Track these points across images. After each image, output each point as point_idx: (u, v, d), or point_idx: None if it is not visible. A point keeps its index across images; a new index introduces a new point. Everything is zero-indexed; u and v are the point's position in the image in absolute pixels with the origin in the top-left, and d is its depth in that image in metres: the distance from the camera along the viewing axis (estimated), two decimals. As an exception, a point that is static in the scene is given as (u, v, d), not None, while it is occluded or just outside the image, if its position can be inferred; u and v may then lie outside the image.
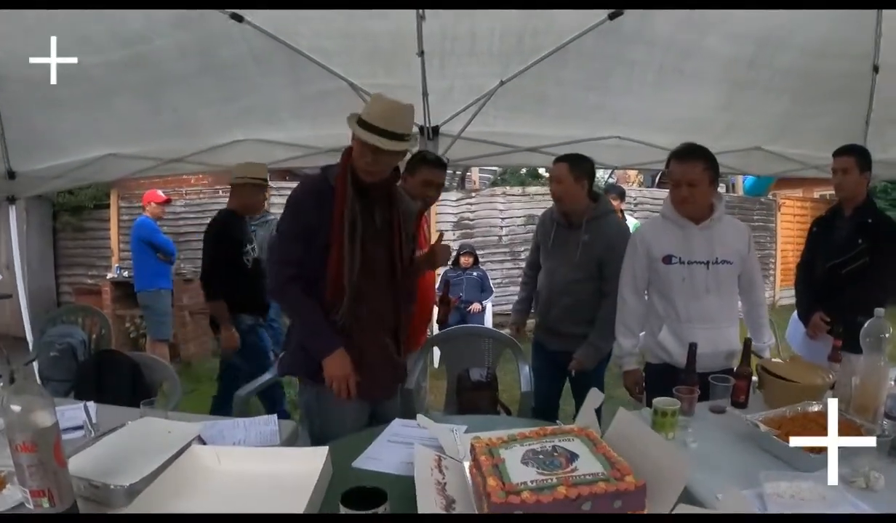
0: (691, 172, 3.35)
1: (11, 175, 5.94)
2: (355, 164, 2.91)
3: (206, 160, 5.86)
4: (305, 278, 2.95)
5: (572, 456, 1.97)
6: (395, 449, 2.52)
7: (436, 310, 4.76)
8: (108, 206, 10.91)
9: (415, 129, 2.90)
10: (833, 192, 4.45)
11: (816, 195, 15.52)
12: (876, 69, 4.67)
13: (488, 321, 8.65)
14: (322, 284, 2.93)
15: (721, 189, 13.34)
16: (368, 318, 3.01)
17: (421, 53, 4.08)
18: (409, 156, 3.57)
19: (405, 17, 3.86)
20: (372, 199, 2.97)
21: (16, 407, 2.09)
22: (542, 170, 11.70)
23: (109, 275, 9.78)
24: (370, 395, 3.10)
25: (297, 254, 2.94)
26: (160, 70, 4.53)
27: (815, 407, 2.80)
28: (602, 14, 3.87)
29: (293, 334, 3.15)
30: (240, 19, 3.87)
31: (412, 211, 3.21)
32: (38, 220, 11.11)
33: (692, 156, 3.39)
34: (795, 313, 4.68)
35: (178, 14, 3.97)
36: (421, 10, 3.71)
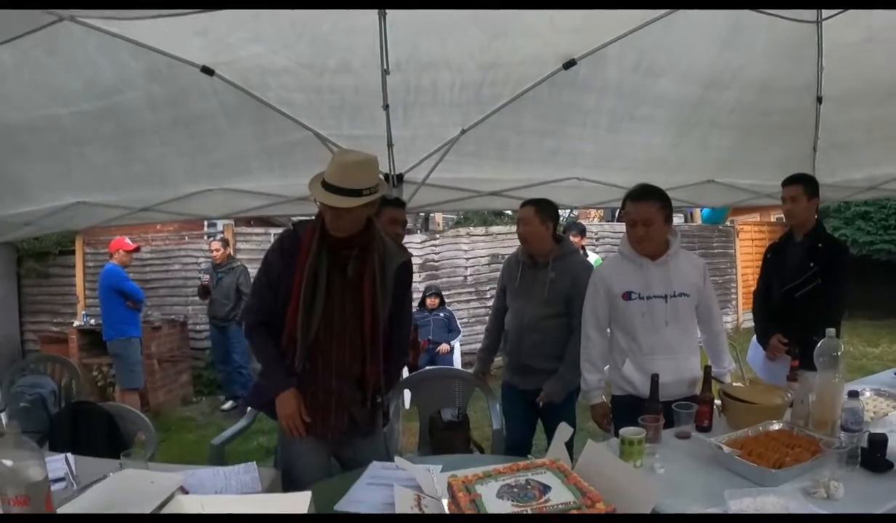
0: (647, 212, 3.50)
1: (-21, 221, 5.92)
2: (326, 222, 3.00)
3: (176, 209, 5.90)
4: (271, 323, 3.10)
5: (545, 488, 2.09)
6: (375, 490, 2.61)
7: None
8: (73, 252, 10.74)
9: (380, 178, 2.99)
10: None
11: (773, 218, 15.83)
12: (819, 100, 4.97)
13: (457, 361, 8.68)
14: (282, 330, 3.05)
15: (679, 219, 13.60)
16: (324, 365, 3.09)
17: (386, 107, 4.23)
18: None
19: (370, 73, 4.02)
20: (345, 253, 3.06)
21: (7, 462, 2.15)
22: (508, 212, 11.79)
23: (76, 323, 9.64)
24: (322, 436, 3.15)
25: (261, 302, 3.15)
26: (132, 121, 4.64)
27: (776, 426, 2.96)
28: (557, 65, 4.08)
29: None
30: (210, 73, 3.99)
31: (393, 263, 3.20)
32: (2, 266, 10.91)
33: (647, 196, 3.55)
34: (755, 337, 4.82)
35: (150, 67, 4.09)
36: (385, 65, 3.87)
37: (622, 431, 2.73)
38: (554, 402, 4.22)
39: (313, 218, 3.12)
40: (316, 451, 3.15)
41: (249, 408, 4.42)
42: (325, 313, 3.03)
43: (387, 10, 3.55)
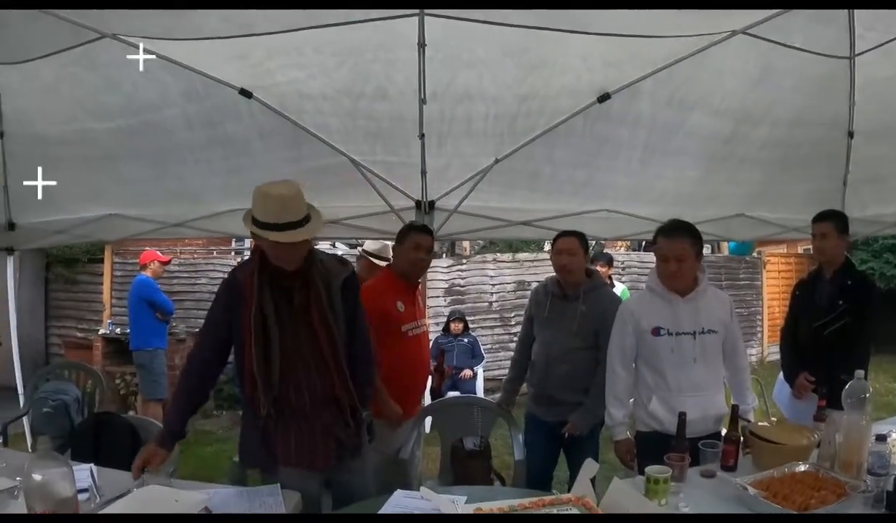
0: (680, 248, 3.50)
1: (11, 226, 6.03)
2: (275, 258, 3.00)
3: (207, 226, 5.97)
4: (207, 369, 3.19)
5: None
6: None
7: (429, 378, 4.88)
8: (101, 261, 10.89)
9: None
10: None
11: (801, 250, 15.65)
12: (851, 135, 4.94)
13: (480, 387, 8.67)
14: (242, 377, 3.09)
15: (705, 250, 13.47)
16: (297, 396, 3.08)
17: (422, 136, 4.26)
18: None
19: (407, 101, 4.06)
20: (287, 283, 3.07)
21: (37, 477, 2.19)
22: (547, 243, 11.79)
23: (101, 331, 9.76)
24: (313, 467, 3.13)
25: (205, 346, 3.19)
26: (167, 139, 4.71)
27: (802, 468, 2.92)
28: (591, 98, 4.09)
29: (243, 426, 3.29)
30: (249, 95, 4.05)
31: (338, 279, 3.20)
32: (31, 270, 11.09)
33: (680, 232, 3.55)
34: (781, 374, 4.78)
35: (188, 87, 4.17)
36: (423, 95, 3.89)
37: (648, 469, 2.71)
38: (579, 435, 4.20)
39: (249, 259, 3.18)
40: (307, 483, 3.12)
41: None
42: (282, 346, 3.03)
43: (426, 45, 3.58)
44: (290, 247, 2.91)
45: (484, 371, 9.13)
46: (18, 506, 2.47)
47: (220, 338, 3.13)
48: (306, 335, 3.08)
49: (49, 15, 3.39)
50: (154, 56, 3.78)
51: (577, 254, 4.29)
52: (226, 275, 3.24)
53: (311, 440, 3.11)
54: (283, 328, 3.03)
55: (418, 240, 4.22)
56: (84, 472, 2.86)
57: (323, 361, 3.11)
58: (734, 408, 3.34)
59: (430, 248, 4.37)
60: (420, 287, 4.59)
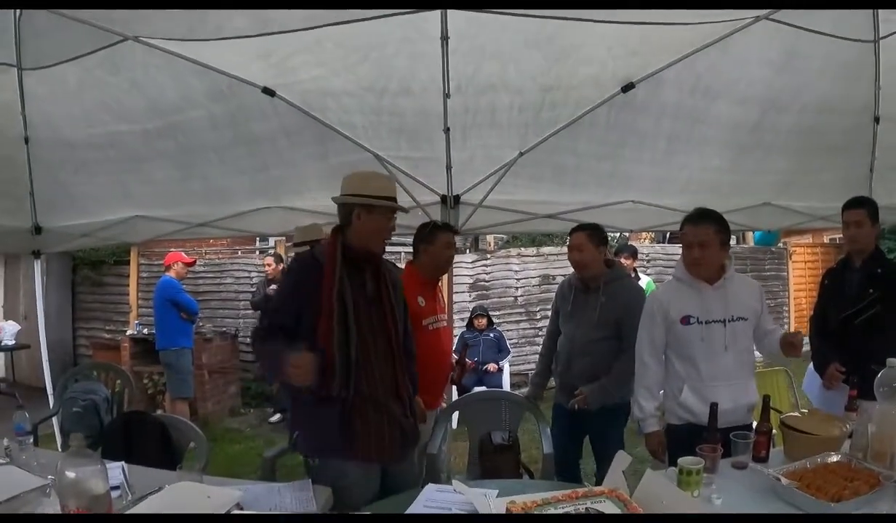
0: (703, 234, 3.49)
1: (38, 230, 6.11)
2: (377, 239, 3.15)
3: (233, 225, 6.01)
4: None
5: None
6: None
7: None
8: (127, 263, 10.98)
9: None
10: (842, 237, 4.52)
11: (826, 239, 15.49)
12: (877, 120, 4.86)
13: (506, 381, 8.66)
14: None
15: (731, 240, 13.34)
16: (368, 385, 3.11)
17: (447, 130, 4.26)
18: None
19: (430, 96, 4.06)
20: (362, 272, 3.15)
21: (70, 474, 2.19)
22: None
23: (129, 332, 9.85)
24: (378, 459, 3.17)
25: (272, 324, 3.16)
26: (192, 139, 4.77)
27: (835, 458, 2.89)
28: (615, 87, 4.06)
29: (296, 413, 3.30)
30: (272, 94, 4.07)
31: (398, 279, 3.40)
32: (58, 273, 11.22)
33: (703, 219, 3.54)
34: (812, 365, 4.71)
35: (212, 87, 4.21)
36: (447, 89, 3.89)
37: (681, 461, 2.67)
38: (588, 409, 4.21)
39: (323, 243, 3.23)
40: (369, 476, 3.16)
41: None
42: (359, 333, 3.08)
43: (449, 38, 3.58)
44: (392, 227, 3.16)
45: (510, 365, 9.11)
46: (51, 504, 2.48)
47: (289, 312, 3.12)
48: (378, 325, 3.16)
49: (71, 19, 3.41)
50: (177, 57, 3.80)
51: (585, 250, 4.29)
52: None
53: (378, 429, 3.15)
54: (358, 313, 3.09)
55: (448, 238, 4.27)
56: (116, 470, 2.88)
57: (390, 351, 3.19)
58: (765, 399, 3.29)
59: (455, 245, 4.43)
60: (440, 282, 4.58)
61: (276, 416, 8.85)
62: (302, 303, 3.08)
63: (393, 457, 3.22)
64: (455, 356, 4.80)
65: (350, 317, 3.05)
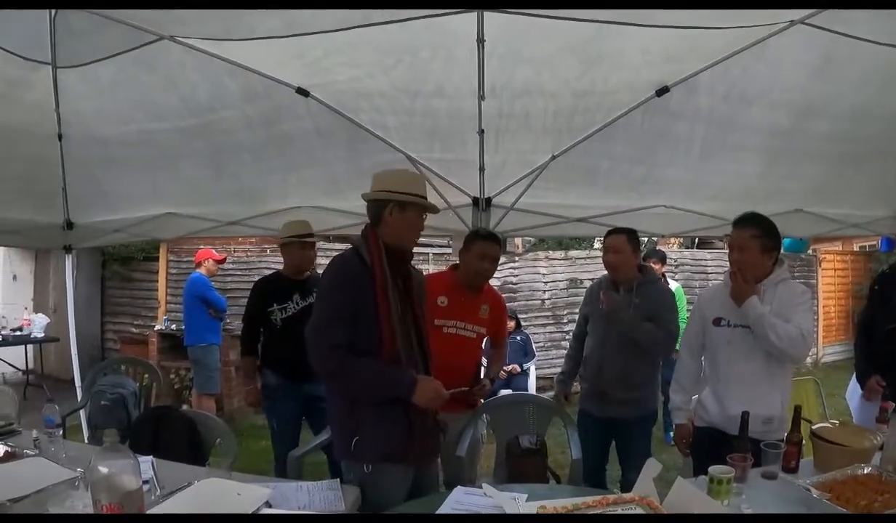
0: (741, 238, 3.53)
1: (70, 225, 6.21)
2: (408, 237, 3.18)
3: (263, 224, 6.05)
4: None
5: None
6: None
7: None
8: (156, 259, 11.11)
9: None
10: (873, 245, 4.44)
11: (856, 247, 15.32)
12: (913, 126, 4.77)
13: (532, 385, 8.65)
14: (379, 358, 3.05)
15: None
16: None
17: (481, 132, 4.27)
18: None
19: (464, 98, 4.06)
20: (397, 270, 3.17)
21: (104, 469, 2.21)
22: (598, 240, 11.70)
23: (157, 327, 9.96)
24: (417, 461, 3.19)
25: (346, 334, 3.01)
26: (226, 139, 4.80)
27: (866, 470, 2.87)
28: (650, 92, 4.04)
29: (354, 419, 3.13)
30: (306, 94, 4.09)
31: (422, 280, 3.43)
32: (88, 267, 11.39)
33: (745, 223, 3.59)
34: (854, 375, 4.65)
35: (246, 87, 4.22)
36: (482, 91, 3.89)
37: (711, 469, 2.68)
38: (613, 311, 4.31)
39: (364, 241, 3.19)
40: (406, 479, 3.17)
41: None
42: (402, 332, 3.09)
43: (484, 41, 3.56)
44: (421, 225, 3.21)
45: (536, 369, 9.09)
46: (80, 497, 2.51)
47: (350, 316, 3.04)
48: (413, 326, 3.19)
49: (106, 18, 3.45)
50: (211, 57, 3.83)
51: (622, 252, 4.36)
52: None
53: (422, 436, 3.16)
54: (402, 316, 3.12)
55: (484, 249, 4.25)
56: (145, 464, 2.88)
57: (422, 351, 3.21)
58: (797, 410, 3.27)
59: (496, 258, 4.36)
60: (496, 301, 4.59)
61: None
62: (358, 308, 3.04)
63: (428, 460, 3.29)
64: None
65: (405, 317, 3.11)
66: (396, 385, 3.03)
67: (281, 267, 5.35)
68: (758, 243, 3.49)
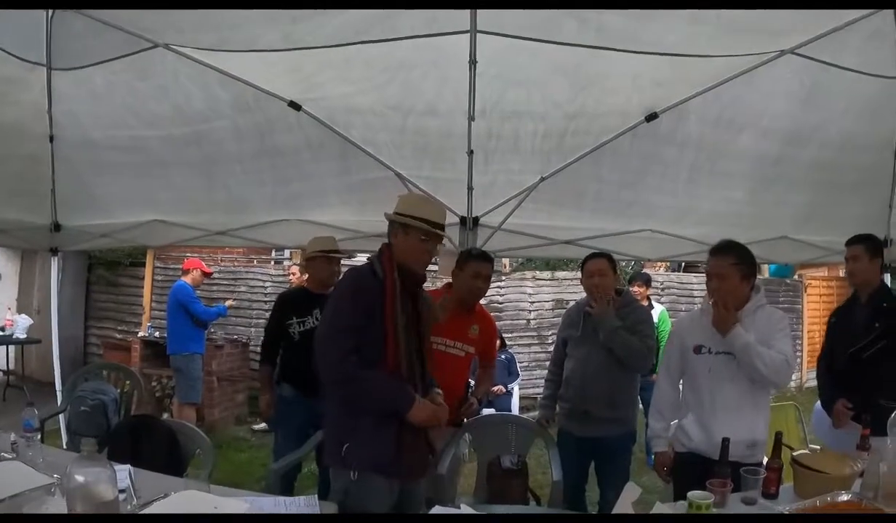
0: (719, 266, 3.54)
1: (57, 228, 6.17)
2: (413, 259, 3.18)
3: (252, 235, 6.03)
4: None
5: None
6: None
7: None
8: (143, 265, 11.04)
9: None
10: None
11: (842, 273, 15.33)
12: (897, 156, 4.84)
13: (515, 404, 8.66)
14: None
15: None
16: None
17: (470, 152, 4.29)
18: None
19: (455, 118, 4.09)
20: (407, 290, 3.20)
21: (80, 478, 2.19)
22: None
23: (140, 334, 9.89)
24: (404, 477, 3.20)
25: (356, 344, 3.07)
26: (216, 148, 4.81)
27: (845, 497, 2.85)
28: (639, 117, 4.08)
29: (346, 426, 3.20)
30: (298, 108, 4.11)
31: (430, 303, 3.43)
32: (74, 270, 11.33)
33: (724, 251, 3.58)
34: (819, 403, 4.69)
35: (238, 98, 4.24)
36: (472, 112, 3.91)
37: (690, 495, 2.67)
38: (599, 319, 4.29)
39: (378, 257, 3.24)
40: (391, 493, 3.17)
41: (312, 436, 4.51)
42: (406, 351, 3.14)
43: (477, 62, 3.58)
44: (433, 251, 3.20)
45: (519, 388, 9.10)
46: (55, 504, 2.48)
47: (358, 328, 3.10)
48: (416, 346, 3.22)
49: (103, 23, 3.46)
50: (206, 67, 3.84)
51: (607, 276, 4.38)
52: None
53: (411, 452, 3.18)
54: (408, 336, 3.16)
55: (478, 268, 4.28)
56: (122, 473, 2.81)
57: (423, 369, 3.24)
58: (777, 436, 3.28)
59: (489, 277, 4.41)
60: (477, 313, 4.58)
61: (262, 425, 8.78)
62: (367, 318, 3.10)
63: (416, 476, 3.29)
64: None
65: (409, 335, 3.16)
66: (397, 399, 3.10)
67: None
68: (737, 271, 3.52)
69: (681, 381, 3.81)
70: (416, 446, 3.20)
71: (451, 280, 4.48)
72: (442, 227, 3.26)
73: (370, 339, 3.08)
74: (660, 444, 3.79)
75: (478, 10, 3.22)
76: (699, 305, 3.94)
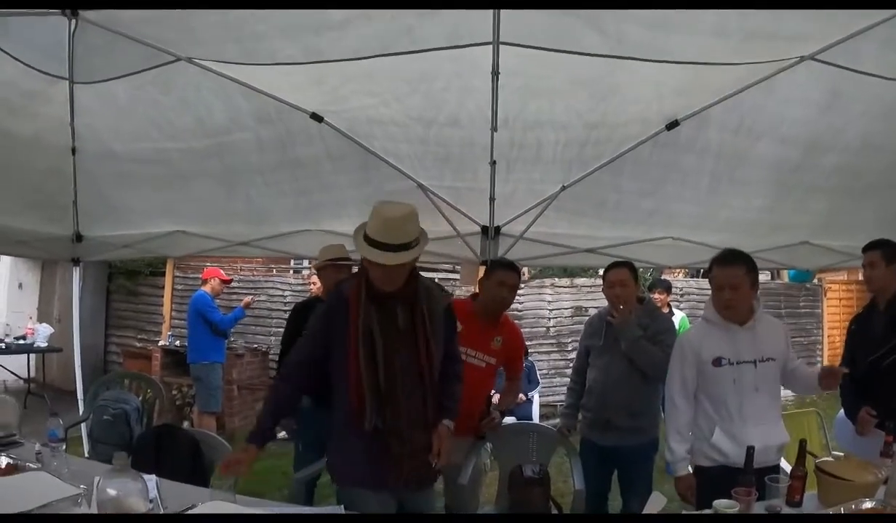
0: (734, 276, 3.51)
1: (79, 238, 6.28)
2: (375, 279, 3.07)
3: (272, 246, 6.09)
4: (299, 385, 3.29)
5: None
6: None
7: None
8: (163, 274, 11.11)
9: (421, 228, 3.10)
10: None
11: (861, 277, 15.21)
12: (918, 160, 4.80)
13: (535, 412, 8.65)
14: (346, 391, 3.11)
15: (765, 276, 13.22)
16: (393, 417, 3.10)
17: (493, 163, 4.32)
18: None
19: (477, 128, 4.11)
20: (393, 304, 3.12)
21: (112, 492, 2.22)
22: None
23: (161, 342, 9.95)
24: (400, 490, 3.19)
25: (300, 356, 3.28)
26: (238, 160, 4.86)
27: (869, 504, 2.86)
28: (660, 125, 4.08)
29: (328, 440, 3.36)
30: (319, 120, 4.14)
31: (440, 306, 3.29)
32: (94, 280, 11.41)
33: (733, 261, 3.57)
34: (842, 412, 4.66)
35: (260, 110, 4.28)
36: (494, 123, 3.93)
37: (716, 503, 2.69)
38: (622, 328, 4.29)
39: (354, 276, 3.26)
40: (384, 505, 3.17)
41: None
42: (387, 366, 3.07)
43: (499, 73, 3.58)
44: (388, 271, 2.99)
45: (539, 396, 9.08)
46: (83, 514, 2.51)
47: (317, 346, 3.20)
48: (407, 356, 3.14)
49: (125, 37, 3.49)
50: (228, 80, 3.88)
51: (629, 285, 4.39)
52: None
53: (398, 461, 3.14)
54: (387, 345, 3.09)
55: (503, 277, 4.26)
56: (149, 483, 2.87)
57: (421, 383, 3.17)
58: (801, 443, 3.27)
59: (515, 286, 4.38)
60: (513, 334, 4.59)
61: (282, 433, 8.78)
62: (331, 339, 3.15)
63: (408, 488, 3.22)
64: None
65: (379, 352, 3.07)
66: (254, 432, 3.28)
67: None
68: (748, 279, 3.52)
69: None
70: (399, 459, 3.14)
71: (477, 290, 4.50)
72: (396, 247, 2.97)
73: (337, 361, 3.15)
74: (683, 468, 3.68)
75: (500, 23, 3.21)
76: (702, 314, 3.89)
